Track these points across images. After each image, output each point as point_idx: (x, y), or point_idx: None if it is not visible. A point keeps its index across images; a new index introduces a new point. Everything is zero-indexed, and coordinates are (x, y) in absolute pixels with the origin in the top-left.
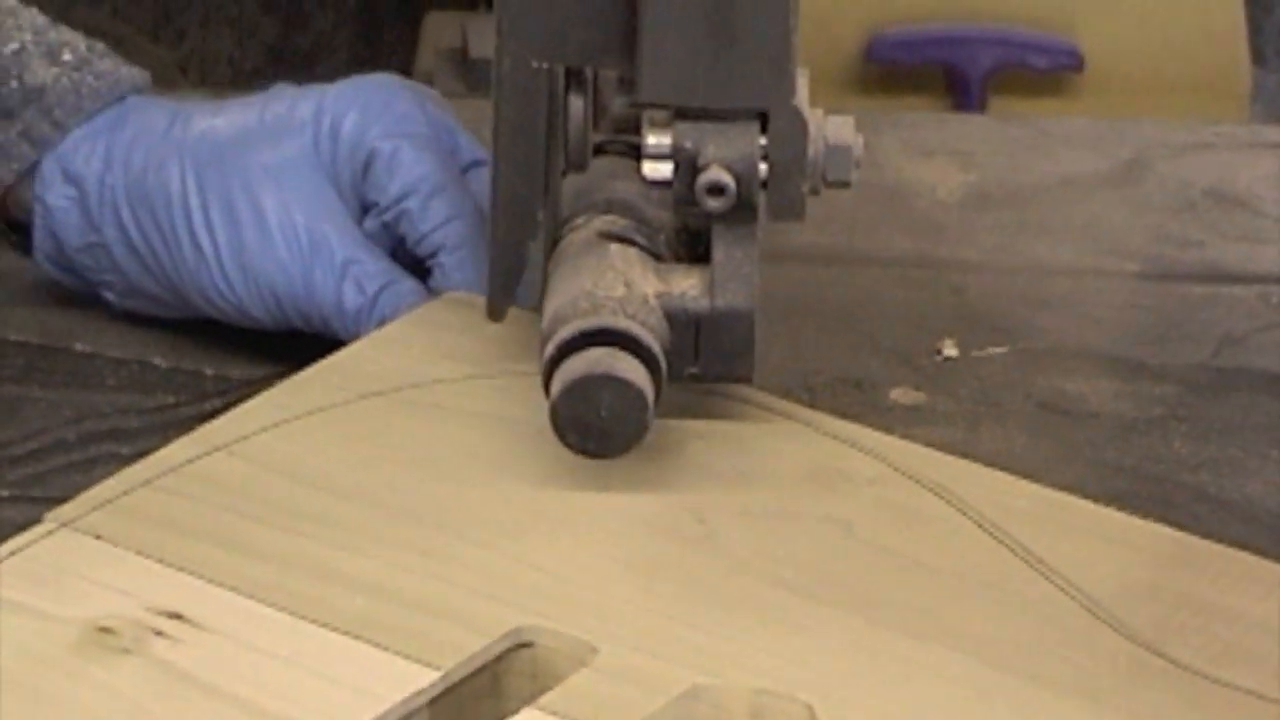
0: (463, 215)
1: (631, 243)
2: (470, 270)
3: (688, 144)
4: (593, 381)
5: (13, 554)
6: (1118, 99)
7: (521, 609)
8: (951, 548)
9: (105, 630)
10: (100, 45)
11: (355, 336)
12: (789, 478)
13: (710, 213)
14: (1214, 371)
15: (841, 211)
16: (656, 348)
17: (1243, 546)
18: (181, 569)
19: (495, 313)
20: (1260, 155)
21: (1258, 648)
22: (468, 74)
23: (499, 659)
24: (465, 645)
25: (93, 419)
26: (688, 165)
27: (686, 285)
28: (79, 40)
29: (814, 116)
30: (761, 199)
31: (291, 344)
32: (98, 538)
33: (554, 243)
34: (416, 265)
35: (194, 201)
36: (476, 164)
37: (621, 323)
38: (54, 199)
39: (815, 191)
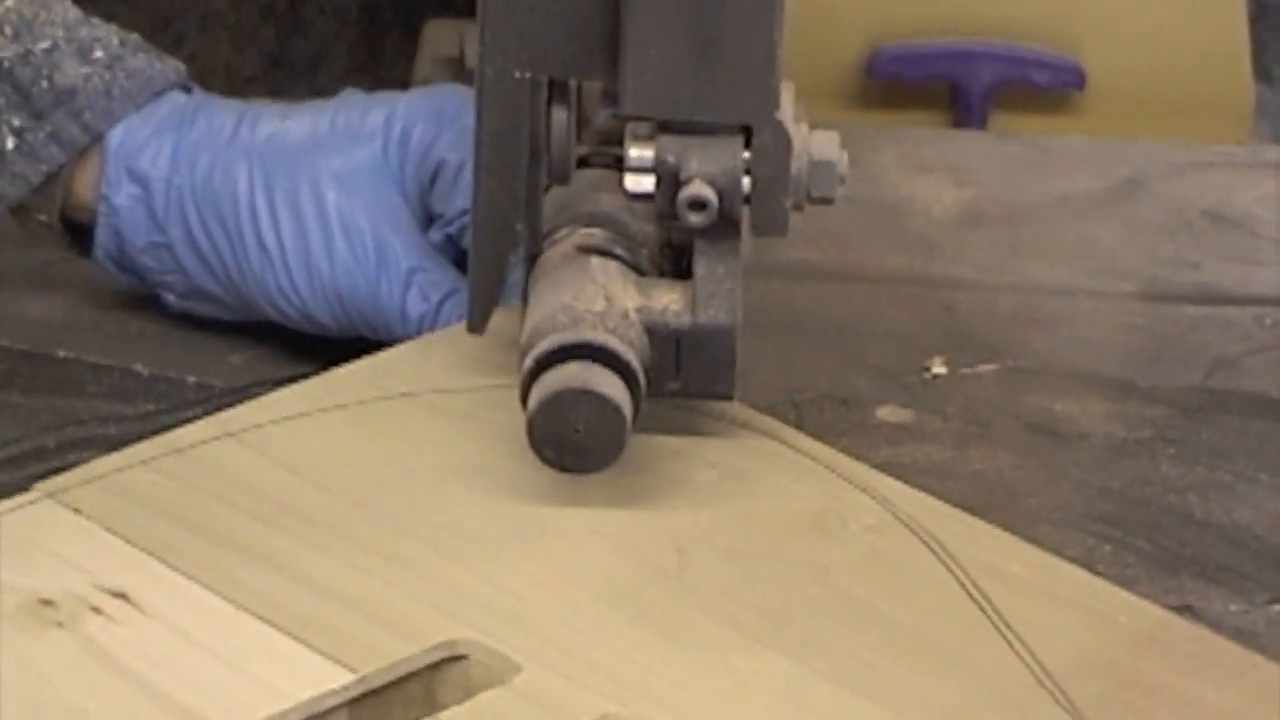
0: None
1: (613, 256)
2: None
3: (670, 158)
4: (570, 396)
5: None
6: (1120, 116)
7: (466, 623)
8: (924, 604)
9: (46, 602)
10: (134, 38)
11: None
12: (787, 518)
13: (692, 228)
14: (1205, 394)
15: (835, 227)
16: (635, 363)
17: (1228, 570)
18: (144, 550)
19: (474, 326)
20: (1259, 176)
21: None
22: (465, 83)
23: (433, 668)
24: (392, 652)
25: (73, 426)
26: (670, 179)
27: (668, 300)
28: (112, 35)
29: (799, 132)
30: (745, 214)
31: (276, 355)
32: (76, 511)
33: (535, 256)
34: None
35: (261, 204)
36: None
37: (600, 337)
38: (120, 198)
39: (799, 207)
